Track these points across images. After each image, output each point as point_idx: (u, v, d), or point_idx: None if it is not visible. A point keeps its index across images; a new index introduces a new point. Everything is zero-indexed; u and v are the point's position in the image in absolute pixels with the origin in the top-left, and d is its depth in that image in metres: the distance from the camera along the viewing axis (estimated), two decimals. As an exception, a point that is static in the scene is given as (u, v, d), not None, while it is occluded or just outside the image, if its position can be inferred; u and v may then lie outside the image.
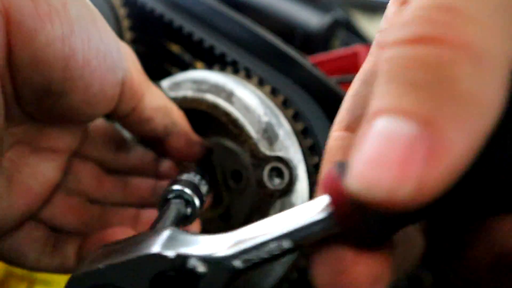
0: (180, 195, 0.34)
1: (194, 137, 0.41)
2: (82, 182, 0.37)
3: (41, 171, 0.33)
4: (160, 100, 0.37)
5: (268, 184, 0.38)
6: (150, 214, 0.38)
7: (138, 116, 0.35)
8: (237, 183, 0.45)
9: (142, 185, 0.40)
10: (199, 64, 0.54)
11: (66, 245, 0.35)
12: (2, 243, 0.32)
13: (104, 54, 0.30)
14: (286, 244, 0.20)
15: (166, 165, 0.42)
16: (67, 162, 0.36)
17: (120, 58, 0.32)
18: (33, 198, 0.32)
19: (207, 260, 0.22)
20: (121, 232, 0.35)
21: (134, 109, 0.35)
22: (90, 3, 0.31)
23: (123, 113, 0.35)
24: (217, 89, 0.41)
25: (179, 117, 0.39)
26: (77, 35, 0.28)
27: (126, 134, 0.42)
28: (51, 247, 0.34)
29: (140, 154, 0.41)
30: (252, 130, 0.39)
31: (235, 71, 0.44)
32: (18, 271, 0.57)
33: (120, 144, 0.40)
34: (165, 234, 0.25)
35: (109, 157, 0.40)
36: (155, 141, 0.39)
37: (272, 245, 0.21)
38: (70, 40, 0.27)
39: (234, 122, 0.40)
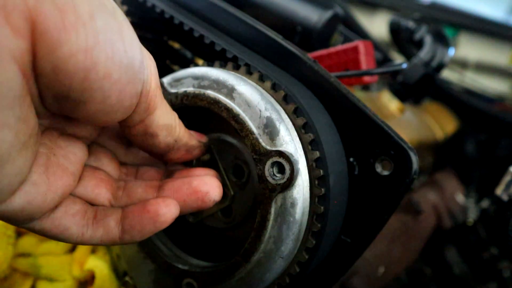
0: None
1: (193, 142, 0.42)
2: (103, 162, 0.40)
3: (71, 150, 0.36)
4: (167, 118, 0.38)
5: (269, 178, 0.38)
6: (173, 183, 0.40)
7: (144, 129, 0.36)
8: (238, 178, 0.46)
9: (152, 172, 0.43)
10: (199, 61, 0.54)
11: (106, 217, 0.36)
12: (45, 221, 0.33)
13: (126, 67, 0.30)
14: None
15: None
16: (90, 146, 0.39)
17: (141, 70, 0.32)
18: (69, 177, 0.34)
19: None
20: (162, 202, 0.37)
21: (142, 121, 0.35)
22: (119, 12, 0.31)
23: (132, 123, 0.35)
24: (218, 85, 0.41)
25: (181, 132, 0.40)
26: (102, 47, 0.28)
27: None
28: (92, 219, 0.36)
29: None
30: (253, 126, 0.39)
31: (236, 67, 0.44)
32: (23, 267, 0.57)
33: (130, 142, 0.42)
34: None
35: (121, 151, 0.43)
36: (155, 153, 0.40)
37: None
38: (93, 52, 0.27)
39: (235, 117, 0.40)
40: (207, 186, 0.39)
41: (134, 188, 0.40)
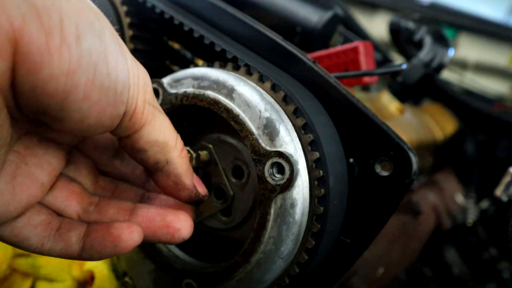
0: None
1: (188, 180, 0.39)
2: (81, 173, 0.39)
3: (47, 159, 0.35)
4: (160, 135, 0.36)
5: (269, 179, 0.38)
6: (148, 212, 0.39)
7: (131, 144, 0.35)
8: (238, 178, 0.46)
9: (131, 192, 0.42)
10: (199, 61, 0.54)
11: (69, 231, 0.36)
12: (4, 229, 0.33)
13: (107, 90, 0.29)
14: None
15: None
16: (69, 153, 0.38)
17: (124, 91, 0.31)
18: (37, 188, 0.34)
19: None
20: (127, 227, 0.36)
21: (128, 137, 0.34)
22: (108, 32, 0.30)
23: (117, 136, 0.35)
24: (218, 86, 0.41)
25: (177, 157, 0.37)
26: (83, 70, 0.27)
27: None
28: (54, 231, 0.35)
29: (132, 166, 0.42)
30: (253, 126, 0.39)
31: (236, 68, 0.44)
32: (22, 267, 0.57)
33: (116, 152, 0.41)
34: None
35: (104, 160, 0.41)
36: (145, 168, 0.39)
37: None
38: (74, 76, 0.27)
39: (235, 118, 0.40)
40: (180, 223, 0.38)
41: (106, 207, 0.39)
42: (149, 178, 0.42)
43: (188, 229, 0.39)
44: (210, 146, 0.46)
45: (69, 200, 0.37)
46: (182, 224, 0.38)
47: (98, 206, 0.39)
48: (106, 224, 0.36)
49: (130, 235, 0.35)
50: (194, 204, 0.41)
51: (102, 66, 0.29)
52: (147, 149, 0.35)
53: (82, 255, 0.36)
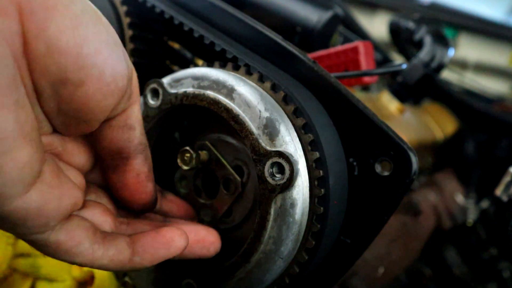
0: None
1: (150, 181, 0.40)
2: (102, 199, 0.40)
3: (72, 173, 0.36)
4: (141, 117, 0.38)
5: (269, 179, 0.38)
6: (186, 224, 0.41)
7: (124, 120, 0.36)
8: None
9: (150, 216, 0.44)
10: (199, 61, 0.54)
11: (116, 238, 0.36)
12: (59, 231, 0.32)
13: (114, 45, 0.31)
14: None
15: (169, 200, 0.46)
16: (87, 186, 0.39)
17: (126, 53, 0.33)
18: (78, 190, 0.34)
19: None
20: (176, 230, 0.37)
21: (124, 111, 0.36)
22: (92, 5, 0.32)
23: (116, 112, 0.35)
24: (218, 86, 0.41)
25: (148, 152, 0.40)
26: (86, 26, 0.29)
27: None
28: (102, 239, 0.35)
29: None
30: (253, 126, 0.39)
31: (236, 68, 0.44)
32: (22, 267, 0.57)
33: None
34: None
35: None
36: (114, 160, 0.38)
37: None
38: (79, 29, 0.29)
39: (235, 118, 0.40)
40: (213, 237, 0.42)
41: (138, 224, 0.40)
42: (163, 200, 0.45)
43: (219, 241, 0.42)
44: (207, 142, 0.46)
45: (104, 216, 0.37)
46: (215, 237, 0.42)
47: (130, 224, 0.40)
48: (152, 231, 0.37)
49: (181, 237, 0.37)
50: (142, 211, 0.41)
51: (100, 25, 0.31)
52: (136, 126, 0.37)
53: (134, 260, 0.36)
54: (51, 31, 0.27)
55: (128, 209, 0.41)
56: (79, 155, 0.37)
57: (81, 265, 0.34)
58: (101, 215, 0.37)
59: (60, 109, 0.31)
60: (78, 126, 0.34)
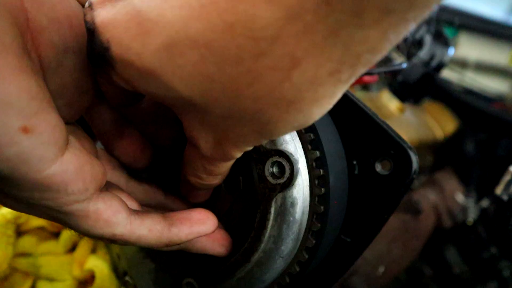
0: None
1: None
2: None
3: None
4: None
5: (269, 178, 0.38)
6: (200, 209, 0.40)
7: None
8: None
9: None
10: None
11: (149, 212, 0.36)
12: (97, 200, 0.31)
13: None
14: None
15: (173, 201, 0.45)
16: None
17: None
18: (101, 166, 0.33)
19: None
20: (205, 211, 0.38)
21: None
22: None
23: None
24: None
25: None
26: None
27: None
28: (135, 211, 0.34)
29: (147, 188, 0.43)
30: (253, 125, 0.39)
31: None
32: (23, 266, 0.57)
33: (132, 175, 0.42)
34: None
35: (123, 180, 0.42)
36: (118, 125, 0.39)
37: None
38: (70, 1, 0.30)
39: (235, 117, 0.40)
40: (226, 236, 0.42)
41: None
42: (167, 199, 0.44)
43: (231, 242, 0.43)
44: None
45: (129, 200, 0.37)
46: (227, 237, 0.42)
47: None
48: (183, 210, 0.38)
49: (213, 217, 0.38)
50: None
51: None
52: None
53: (172, 230, 0.35)
54: (48, 4, 0.28)
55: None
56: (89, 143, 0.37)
57: (121, 237, 0.33)
58: (126, 199, 0.37)
59: (64, 85, 0.31)
60: (80, 100, 0.33)
